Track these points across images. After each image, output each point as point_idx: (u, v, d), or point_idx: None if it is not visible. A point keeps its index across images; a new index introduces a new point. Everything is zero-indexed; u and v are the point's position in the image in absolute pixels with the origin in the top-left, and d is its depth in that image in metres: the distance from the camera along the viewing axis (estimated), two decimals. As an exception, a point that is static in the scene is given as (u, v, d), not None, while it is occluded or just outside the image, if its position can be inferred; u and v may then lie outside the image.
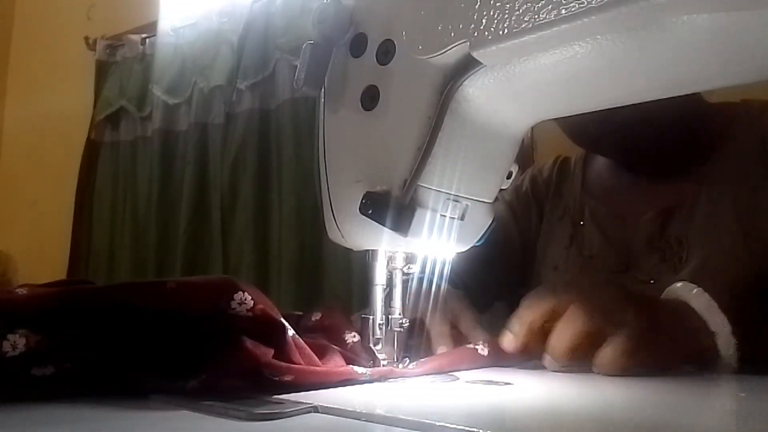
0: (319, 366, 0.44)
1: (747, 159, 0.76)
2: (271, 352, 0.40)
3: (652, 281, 0.76)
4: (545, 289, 0.59)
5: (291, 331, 0.43)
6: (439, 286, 0.59)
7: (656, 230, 0.78)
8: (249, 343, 0.39)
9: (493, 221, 0.51)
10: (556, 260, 0.89)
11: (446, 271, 0.53)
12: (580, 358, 0.52)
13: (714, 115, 0.81)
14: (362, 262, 0.53)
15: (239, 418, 0.33)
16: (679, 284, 0.57)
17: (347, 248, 0.54)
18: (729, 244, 0.72)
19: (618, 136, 0.77)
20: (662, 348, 0.52)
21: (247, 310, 0.40)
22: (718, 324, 0.52)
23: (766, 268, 0.69)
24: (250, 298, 0.41)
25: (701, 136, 0.80)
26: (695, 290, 0.55)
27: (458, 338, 0.61)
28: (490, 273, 0.89)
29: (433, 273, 0.53)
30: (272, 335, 0.41)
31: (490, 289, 0.90)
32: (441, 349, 0.58)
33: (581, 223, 0.87)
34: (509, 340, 0.54)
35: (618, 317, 0.52)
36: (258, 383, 0.39)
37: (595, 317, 0.52)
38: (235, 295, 0.40)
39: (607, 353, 0.50)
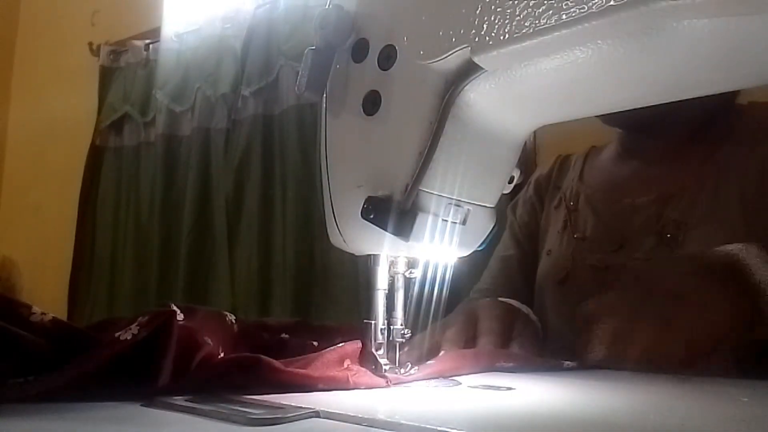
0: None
1: (759, 153, 0.75)
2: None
3: (648, 259, 0.75)
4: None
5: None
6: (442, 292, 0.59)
7: (653, 214, 0.78)
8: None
9: (495, 226, 0.51)
10: (550, 245, 0.90)
11: (448, 275, 0.53)
12: None
13: (734, 106, 0.82)
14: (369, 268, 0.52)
15: (240, 423, 0.33)
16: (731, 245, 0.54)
17: (353, 254, 0.53)
18: (730, 232, 0.71)
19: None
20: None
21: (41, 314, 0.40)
22: None
23: None
24: (40, 311, 0.40)
25: (719, 121, 0.80)
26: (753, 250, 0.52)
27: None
28: (520, 281, 0.91)
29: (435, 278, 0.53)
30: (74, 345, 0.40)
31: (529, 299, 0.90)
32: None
33: (571, 204, 0.88)
34: None
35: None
36: None
37: None
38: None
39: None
